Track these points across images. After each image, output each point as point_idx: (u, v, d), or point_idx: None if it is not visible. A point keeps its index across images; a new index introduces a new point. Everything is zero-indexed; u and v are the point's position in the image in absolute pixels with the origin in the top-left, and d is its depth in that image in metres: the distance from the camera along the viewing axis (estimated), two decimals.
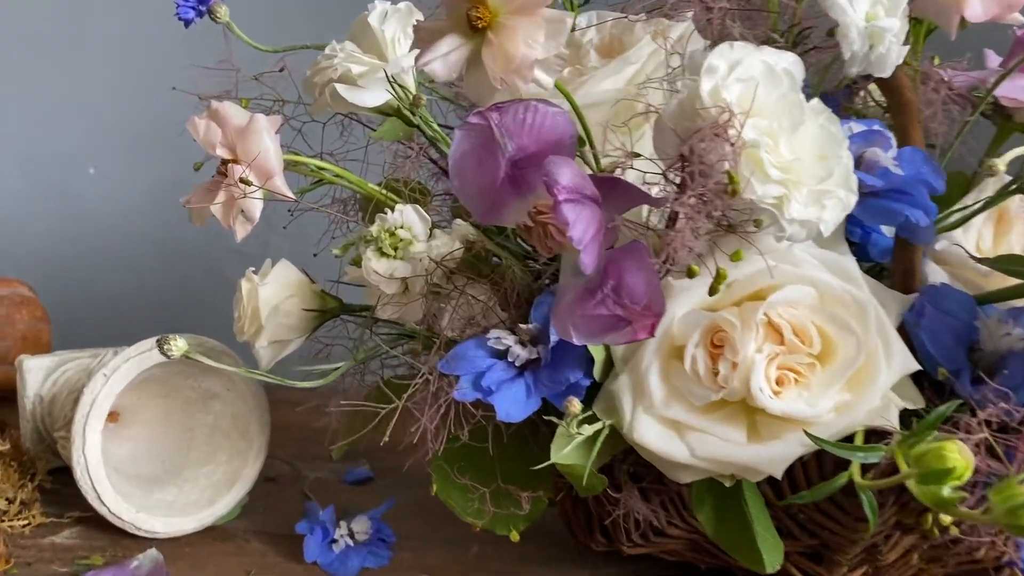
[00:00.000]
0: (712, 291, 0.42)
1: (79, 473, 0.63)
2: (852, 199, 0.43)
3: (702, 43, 0.56)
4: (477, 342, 0.51)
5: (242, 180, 0.49)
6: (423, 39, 0.43)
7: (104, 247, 1.16)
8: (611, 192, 0.43)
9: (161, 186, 1.14)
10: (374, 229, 0.52)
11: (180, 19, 0.64)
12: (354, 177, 0.61)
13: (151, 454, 0.73)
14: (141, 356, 0.65)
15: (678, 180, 0.40)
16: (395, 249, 0.52)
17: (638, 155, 0.42)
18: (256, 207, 0.54)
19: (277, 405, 0.73)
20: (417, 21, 0.56)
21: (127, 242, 1.16)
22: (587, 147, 0.51)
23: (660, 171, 0.42)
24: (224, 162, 0.55)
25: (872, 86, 0.62)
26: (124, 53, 1.10)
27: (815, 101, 0.43)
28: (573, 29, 0.60)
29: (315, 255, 0.70)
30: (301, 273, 0.59)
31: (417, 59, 0.42)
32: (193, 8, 0.63)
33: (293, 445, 0.81)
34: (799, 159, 0.41)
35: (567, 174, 0.40)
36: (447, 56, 0.42)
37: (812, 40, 0.58)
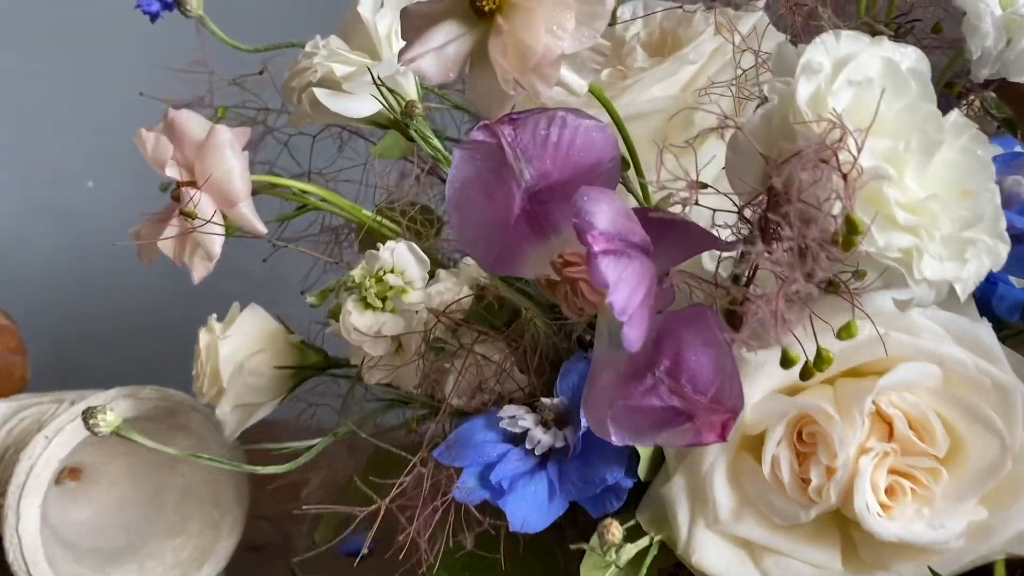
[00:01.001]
0: (806, 375, 0.31)
1: (12, 555, 0.53)
2: (1002, 250, 0.31)
3: (779, 37, 0.44)
4: (486, 422, 0.39)
5: (184, 213, 0.38)
6: (413, 26, 0.32)
7: (102, 268, 1.07)
8: (666, 234, 0.31)
9: (165, 201, 1.05)
10: (357, 273, 0.41)
11: (144, 12, 0.54)
12: (344, 201, 0.50)
13: (116, 520, 0.62)
14: None
15: (761, 220, 0.29)
16: (383, 300, 0.41)
17: (705, 185, 0.30)
18: (216, 242, 0.43)
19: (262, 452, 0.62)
20: None
21: (127, 262, 1.06)
22: (631, 171, 0.40)
23: (736, 208, 0.30)
24: (179, 184, 0.45)
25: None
26: (123, 54, 1.01)
27: (955, 114, 0.31)
28: (614, 22, 0.49)
29: (302, 292, 0.60)
30: (275, 321, 0.48)
31: (402, 53, 0.31)
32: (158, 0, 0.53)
33: (281, 500, 0.70)
34: (935, 196, 0.29)
35: (606, 214, 0.28)
36: (442, 50, 0.30)
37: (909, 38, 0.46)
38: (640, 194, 0.40)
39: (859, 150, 0.27)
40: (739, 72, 0.41)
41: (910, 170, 0.29)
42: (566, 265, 0.31)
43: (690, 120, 0.42)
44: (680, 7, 0.47)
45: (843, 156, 0.27)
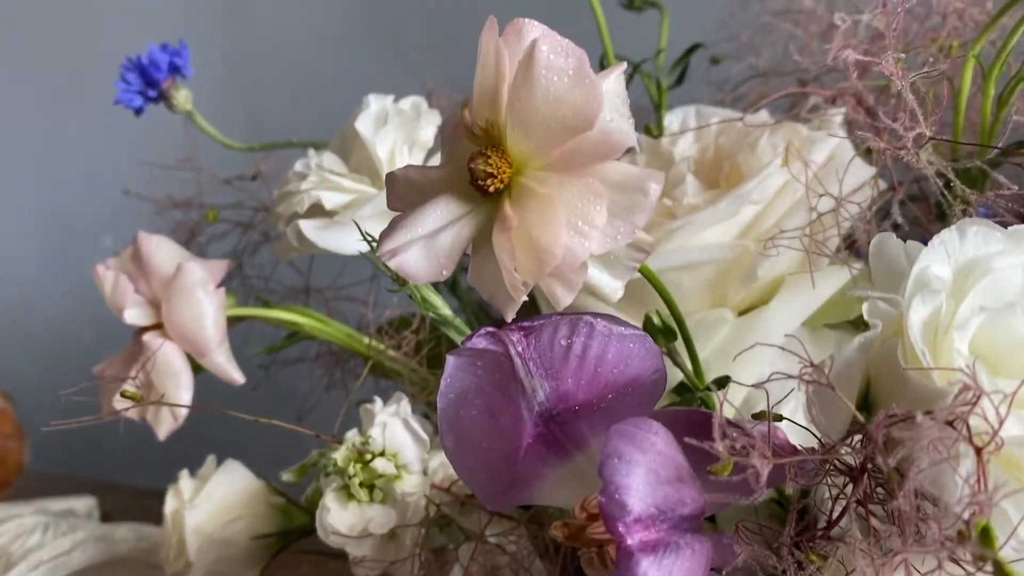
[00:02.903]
0: None
1: None
2: None
3: (866, 171, 0.36)
4: None
5: (125, 395, 0.31)
6: (400, 197, 0.25)
7: (118, 333, 1.03)
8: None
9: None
10: (340, 456, 0.33)
11: (126, 107, 0.48)
12: (339, 331, 0.43)
13: None
14: (55, 563, 0.48)
15: (857, 500, 0.21)
16: (371, 488, 0.34)
17: (780, 418, 0.23)
18: (182, 399, 0.37)
19: None
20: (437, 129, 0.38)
21: None
22: (678, 341, 0.32)
23: (818, 454, 0.23)
24: (141, 330, 0.38)
25: None
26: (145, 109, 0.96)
27: None
28: (660, 133, 0.41)
29: (300, 419, 0.53)
30: (254, 479, 0.41)
31: (383, 240, 0.24)
32: (140, 93, 0.46)
33: None
34: None
35: (644, 482, 0.21)
36: (434, 239, 0.23)
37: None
38: (691, 371, 0.32)
39: (1000, 421, 0.19)
40: (815, 215, 0.34)
41: None
42: (591, 519, 0.24)
43: (751, 272, 0.34)
44: (740, 119, 0.39)
45: (976, 422, 0.20)
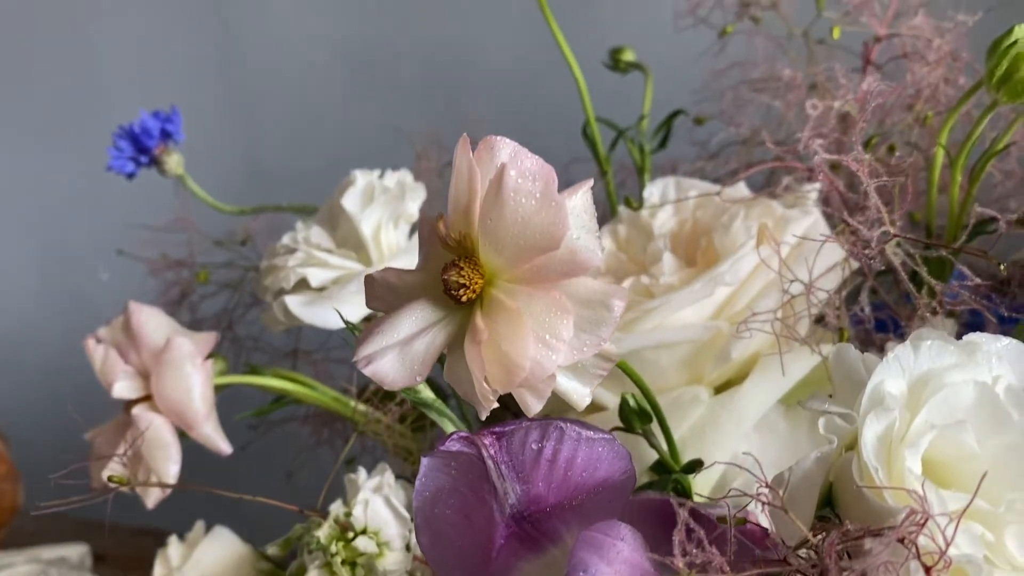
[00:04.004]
0: None
1: None
2: None
3: (837, 252, 0.37)
4: None
5: (112, 480, 0.32)
6: (378, 298, 0.26)
7: None
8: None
9: (177, 292, 1.01)
10: (323, 534, 0.34)
11: (118, 173, 0.49)
12: (325, 396, 0.43)
13: None
14: None
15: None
16: (352, 565, 0.34)
17: (743, 521, 0.24)
18: (171, 473, 0.37)
19: None
20: (420, 209, 0.39)
21: None
22: (654, 423, 0.33)
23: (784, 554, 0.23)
24: (129, 404, 0.39)
25: None
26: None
27: None
28: (640, 205, 0.42)
29: (289, 476, 0.54)
30: (241, 544, 0.42)
31: (360, 345, 0.25)
32: (132, 159, 0.47)
33: None
34: None
35: None
36: (409, 345, 0.24)
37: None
38: (666, 452, 0.33)
39: (949, 538, 0.20)
40: (787, 297, 0.34)
41: (1014, 533, 0.22)
42: None
43: (726, 353, 0.35)
44: (718, 192, 0.40)
45: (924, 540, 0.20)
